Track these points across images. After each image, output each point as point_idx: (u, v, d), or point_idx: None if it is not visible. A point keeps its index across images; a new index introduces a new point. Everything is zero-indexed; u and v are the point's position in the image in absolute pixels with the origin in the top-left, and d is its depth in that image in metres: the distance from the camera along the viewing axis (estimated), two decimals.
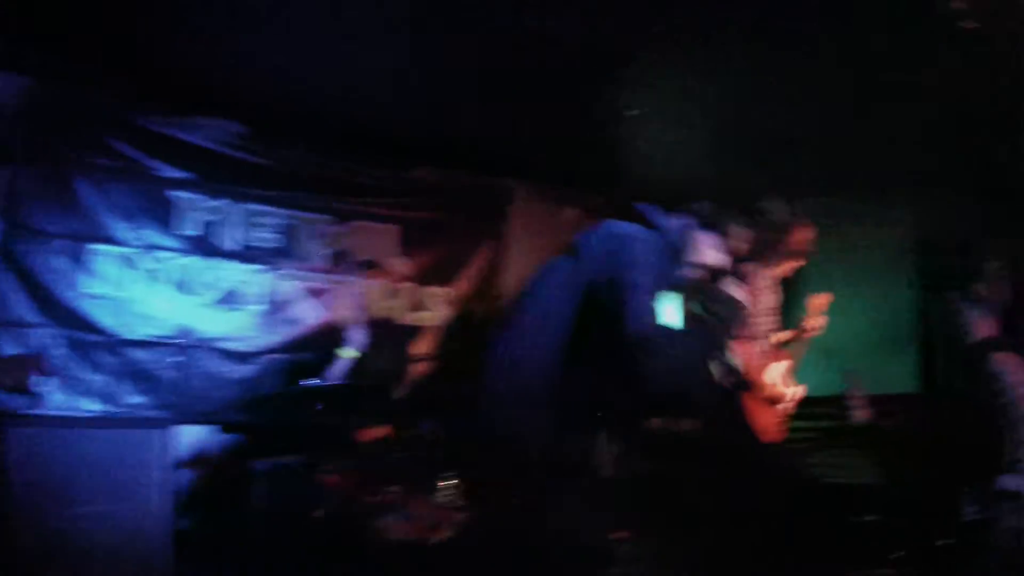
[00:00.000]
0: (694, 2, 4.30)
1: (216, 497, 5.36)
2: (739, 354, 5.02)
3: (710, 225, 2.99)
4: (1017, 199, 5.80)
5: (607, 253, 2.71)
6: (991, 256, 3.10)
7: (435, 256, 6.56)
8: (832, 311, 5.01)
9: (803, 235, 5.05)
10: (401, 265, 6.40)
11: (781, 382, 4.90)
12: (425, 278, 6.51)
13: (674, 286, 2.88)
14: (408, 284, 6.45)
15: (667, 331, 2.70)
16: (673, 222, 2.94)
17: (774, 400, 4.93)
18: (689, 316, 2.91)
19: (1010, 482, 2.54)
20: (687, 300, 2.90)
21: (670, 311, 2.80)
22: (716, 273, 3.04)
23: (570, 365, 2.70)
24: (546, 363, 2.71)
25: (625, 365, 2.64)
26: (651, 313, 2.62)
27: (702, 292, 2.98)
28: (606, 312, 2.63)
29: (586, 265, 2.74)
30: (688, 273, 2.93)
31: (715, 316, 3.03)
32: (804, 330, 4.96)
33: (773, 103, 5.42)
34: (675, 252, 2.88)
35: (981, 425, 2.71)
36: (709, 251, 2.97)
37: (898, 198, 6.67)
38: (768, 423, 4.98)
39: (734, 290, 3.03)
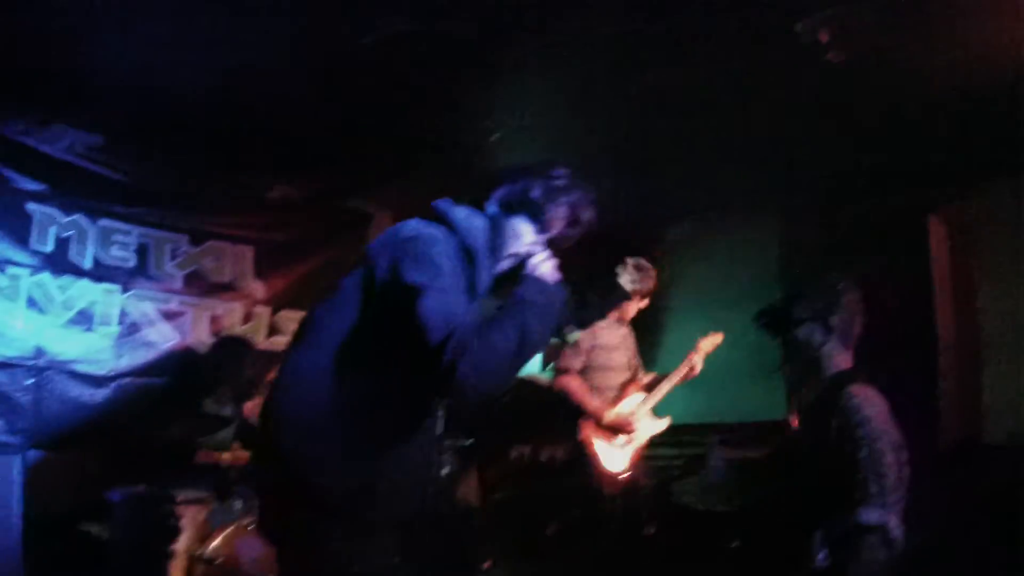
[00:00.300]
0: (553, 26, 4.34)
1: (69, 524, 5.13)
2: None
3: (536, 208, 2.70)
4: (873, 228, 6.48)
5: (391, 258, 2.44)
6: (847, 286, 3.09)
7: (290, 279, 6.51)
8: (703, 333, 5.44)
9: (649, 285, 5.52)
10: (256, 288, 6.34)
11: (635, 416, 5.38)
12: (280, 301, 6.46)
13: (490, 282, 2.68)
14: (264, 307, 6.40)
15: (475, 330, 2.36)
16: (477, 218, 2.69)
17: (619, 429, 5.35)
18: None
19: (871, 515, 2.57)
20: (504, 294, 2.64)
21: (480, 308, 2.57)
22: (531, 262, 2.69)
23: (371, 382, 2.42)
24: (343, 383, 2.42)
25: (428, 376, 2.34)
26: (447, 315, 2.30)
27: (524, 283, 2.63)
28: (400, 320, 2.33)
29: (373, 273, 2.47)
30: (504, 267, 2.71)
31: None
32: (691, 368, 5.41)
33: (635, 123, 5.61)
34: (484, 248, 2.63)
35: (840, 457, 2.69)
36: (528, 240, 2.71)
37: (764, 222, 7.29)
38: (613, 451, 5.37)
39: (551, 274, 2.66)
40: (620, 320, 5.66)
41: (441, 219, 2.62)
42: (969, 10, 4.14)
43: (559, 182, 2.71)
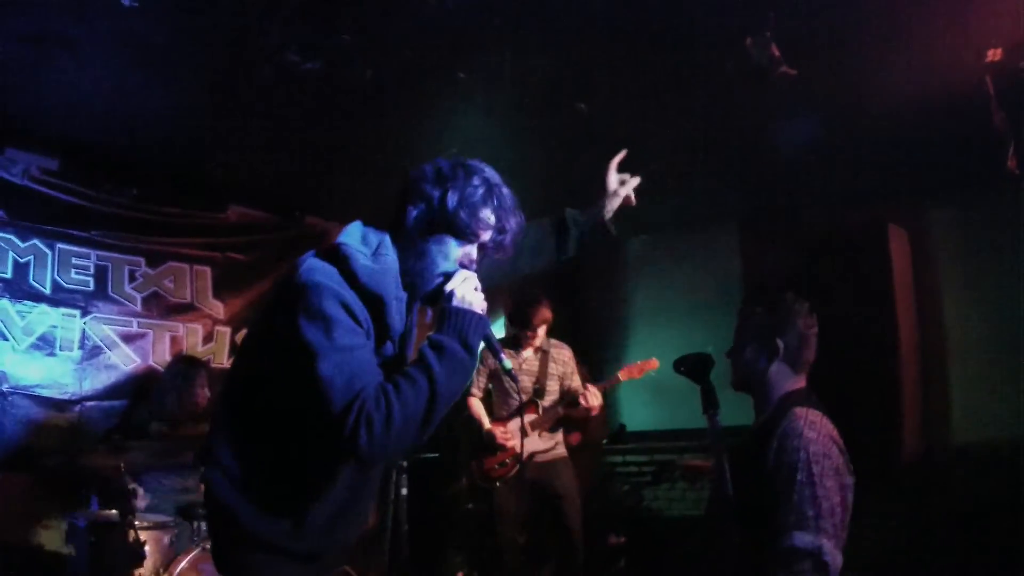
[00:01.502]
0: (496, 43, 4.41)
1: (33, 548, 5.12)
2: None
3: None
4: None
5: (287, 307, 2.21)
6: (797, 308, 2.95)
7: (250, 298, 6.55)
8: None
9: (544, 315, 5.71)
10: (216, 308, 6.36)
11: (508, 435, 5.69)
12: (240, 321, 6.49)
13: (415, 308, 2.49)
14: (224, 327, 6.42)
15: (381, 388, 2.17)
16: (385, 254, 2.37)
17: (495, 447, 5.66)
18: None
19: (805, 539, 2.52)
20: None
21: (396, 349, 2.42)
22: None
23: (286, 430, 2.30)
24: (259, 428, 2.34)
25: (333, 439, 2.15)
26: (348, 377, 2.11)
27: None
28: (300, 380, 2.16)
29: (274, 318, 2.30)
30: (433, 287, 2.41)
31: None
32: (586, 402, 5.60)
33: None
34: (393, 285, 2.35)
35: (777, 479, 2.63)
36: (455, 256, 2.41)
37: (725, 234, 7.35)
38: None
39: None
40: (526, 346, 5.87)
41: (343, 262, 2.28)
42: (927, 23, 4.25)
43: (478, 188, 2.39)
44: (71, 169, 5.72)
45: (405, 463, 3.39)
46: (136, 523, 4.53)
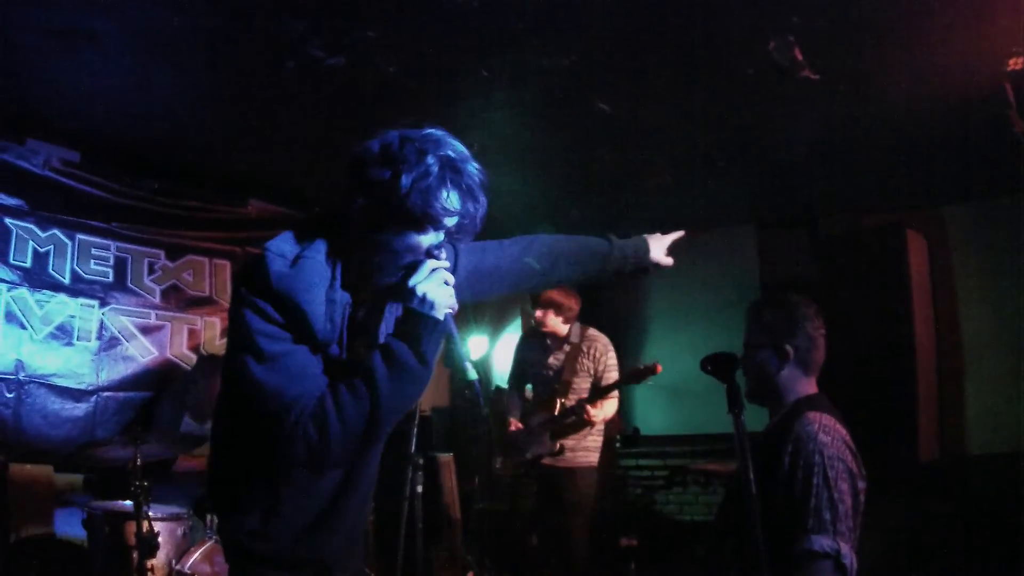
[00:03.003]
0: (518, 49, 4.45)
1: (49, 538, 5.14)
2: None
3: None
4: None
5: (231, 313, 2.16)
6: (808, 312, 2.96)
7: None
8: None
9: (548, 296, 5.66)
10: None
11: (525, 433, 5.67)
12: None
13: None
14: None
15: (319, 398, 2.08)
16: (311, 256, 2.14)
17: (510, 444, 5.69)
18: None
19: (823, 542, 2.54)
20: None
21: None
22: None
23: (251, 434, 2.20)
24: (234, 434, 2.27)
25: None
26: (279, 389, 2.03)
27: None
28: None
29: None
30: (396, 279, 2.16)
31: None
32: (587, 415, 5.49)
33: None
34: (316, 294, 2.12)
35: (794, 483, 2.66)
36: (417, 245, 2.14)
37: (743, 236, 7.34)
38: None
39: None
40: (550, 335, 5.78)
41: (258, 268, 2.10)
42: (947, 28, 4.22)
43: (432, 167, 2.07)
44: (92, 161, 5.75)
45: (421, 461, 3.38)
46: (150, 514, 4.54)
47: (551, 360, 5.77)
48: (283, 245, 2.15)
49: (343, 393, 2.06)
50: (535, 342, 5.96)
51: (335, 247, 2.17)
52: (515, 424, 5.70)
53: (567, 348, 5.75)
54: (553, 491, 5.58)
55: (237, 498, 2.29)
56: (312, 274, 2.11)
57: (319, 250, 2.14)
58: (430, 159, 2.08)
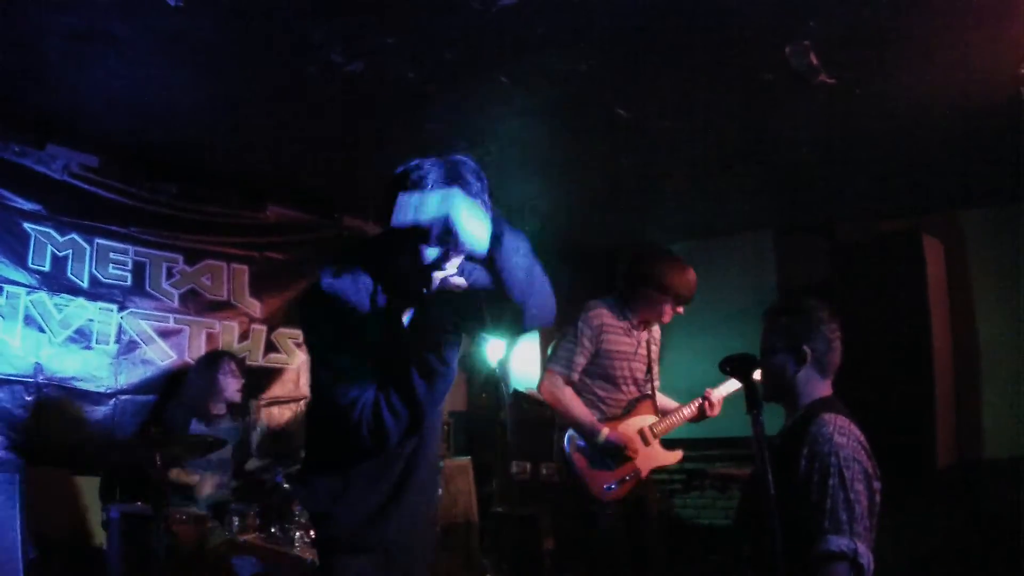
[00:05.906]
0: (540, 55, 4.44)
1: (69, 541, 5.18)
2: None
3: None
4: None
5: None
6: (824, 316, 3.00)
7: (286, 297, 6.59)
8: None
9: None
10: (253, 306, 6.40)
11: (637, 440, 4.73)
12: (276, 320, 6.55)
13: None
14: (260, 326, 6.47)
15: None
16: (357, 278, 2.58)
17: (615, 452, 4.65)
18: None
19: (841, 543, 2.57)
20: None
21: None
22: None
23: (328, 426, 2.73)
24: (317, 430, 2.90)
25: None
26: (343, 387, 2.53)
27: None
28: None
29: None
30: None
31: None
32: (705, 411, 4.81)
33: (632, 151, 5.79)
34: (369, 298, 2.56)
35: (810, 484, 2.68)
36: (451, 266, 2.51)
37: (760, 244, 7.34)
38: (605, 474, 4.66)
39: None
40: (640, 324, 4.90)
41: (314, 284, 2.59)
42: (963, 34, 4.21)
43: (427, 183, 2.40)
44: (111, 166, 5.78)
45: (441, 464, 3.42)
46: (169, 516, 4.56)
47: (640, 351, 4.92)
48: (330, 266, 2.58)
49: (392, 392, 2.55)
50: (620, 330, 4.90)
51: (374, 262, 2.58)
52: (609, 427, 4.71)
53: (646, 332, 4.96)
54: (639, 504, 4.80)
55: (315, 484, 2.76)
56: (356, 282, 2.55)
57: (360, 264, 2.58)
58: (431, 178, 2.42)
